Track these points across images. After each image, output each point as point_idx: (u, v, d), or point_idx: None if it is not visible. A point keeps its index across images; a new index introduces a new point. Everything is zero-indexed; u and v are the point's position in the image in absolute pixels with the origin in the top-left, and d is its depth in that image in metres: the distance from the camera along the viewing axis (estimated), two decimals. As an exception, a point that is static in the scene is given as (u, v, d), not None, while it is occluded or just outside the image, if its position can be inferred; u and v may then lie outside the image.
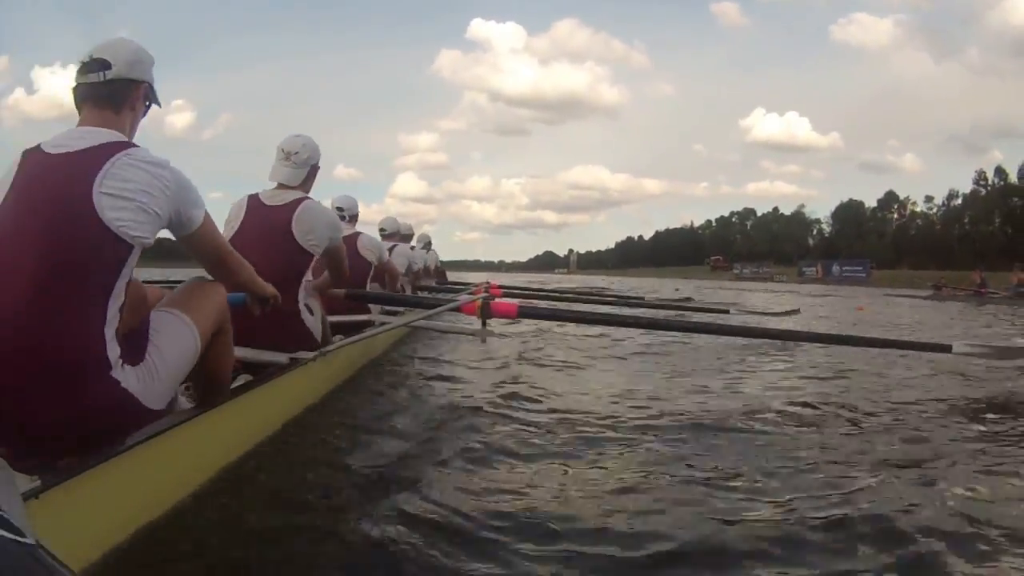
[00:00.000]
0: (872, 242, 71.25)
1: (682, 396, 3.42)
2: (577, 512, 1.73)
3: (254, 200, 2.71)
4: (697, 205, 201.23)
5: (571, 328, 6.09)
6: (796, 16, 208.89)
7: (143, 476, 1.49)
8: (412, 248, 7.05)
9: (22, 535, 0.59)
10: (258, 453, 2.07)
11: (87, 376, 1.38)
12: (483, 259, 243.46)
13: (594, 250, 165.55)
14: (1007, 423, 2.86)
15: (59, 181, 1.41)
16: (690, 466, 2.16)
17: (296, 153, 2.73)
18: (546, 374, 4.05)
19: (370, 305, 4.16)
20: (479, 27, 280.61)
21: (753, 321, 6.28)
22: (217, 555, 1.45)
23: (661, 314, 5.24)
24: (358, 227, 4.46)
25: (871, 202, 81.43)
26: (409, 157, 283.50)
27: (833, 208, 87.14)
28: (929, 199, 73.65)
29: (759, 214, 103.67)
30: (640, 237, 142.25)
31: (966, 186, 68.49)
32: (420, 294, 6.20)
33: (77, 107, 1.57)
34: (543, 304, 4.74)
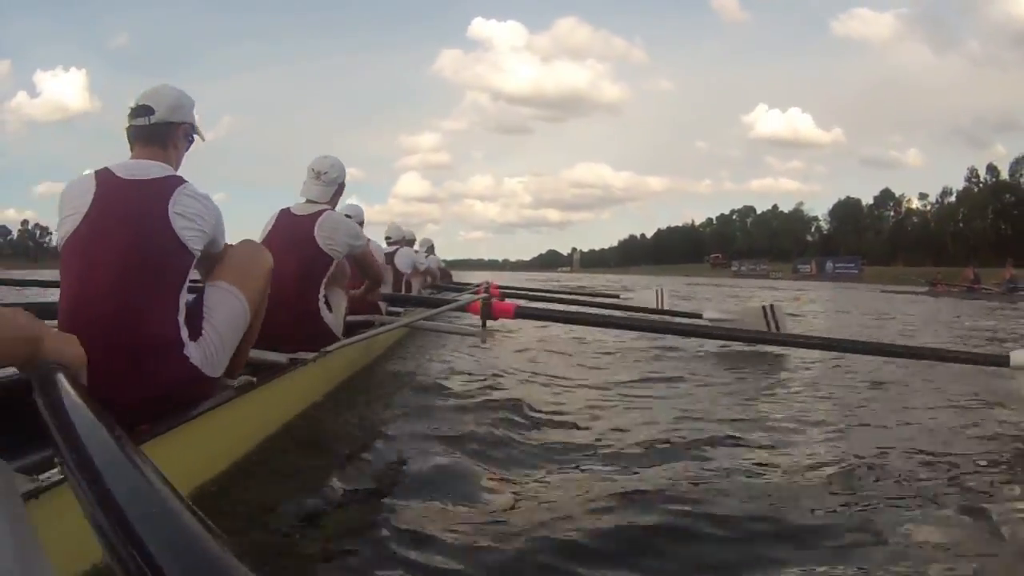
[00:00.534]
0: (869, 239, 71.64)
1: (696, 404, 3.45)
2: (576, 516, 1.70)
3: (285, 212, 3.08)
4: (700, 202, 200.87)
5: (569, 327, 6.06)
6: (796, 10, 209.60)
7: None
8: (416, 252, 7.33)
9: None
10: (255, 456, 2.07)
11: (168, 356, 1.69)
12: (487, 258, 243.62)
13: (597, 248, 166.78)
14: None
15: (140, 201, 1.74)
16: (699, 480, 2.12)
17: (325, 173, 3.09)
18: (546, 376, 4.04)
19: (379, 307, 4.29)
20: (480, 26, 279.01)
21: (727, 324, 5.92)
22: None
23: (651, 316, 5.33)
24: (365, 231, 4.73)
25: (872, 198, 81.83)
26: (411, 157, 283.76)
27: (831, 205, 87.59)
28: (924, 196, 74.07)
29: (759, 212, 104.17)
30: (642, 235, 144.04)
31: (963, 182, 68.86)
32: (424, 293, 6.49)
33: (130, 143, 1.89)
34: (540, 305, 4.89)
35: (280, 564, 1.42)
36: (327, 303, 2.96)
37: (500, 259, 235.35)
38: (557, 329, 6.20)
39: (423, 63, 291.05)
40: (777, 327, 5.02)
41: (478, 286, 6.43)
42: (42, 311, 1.31)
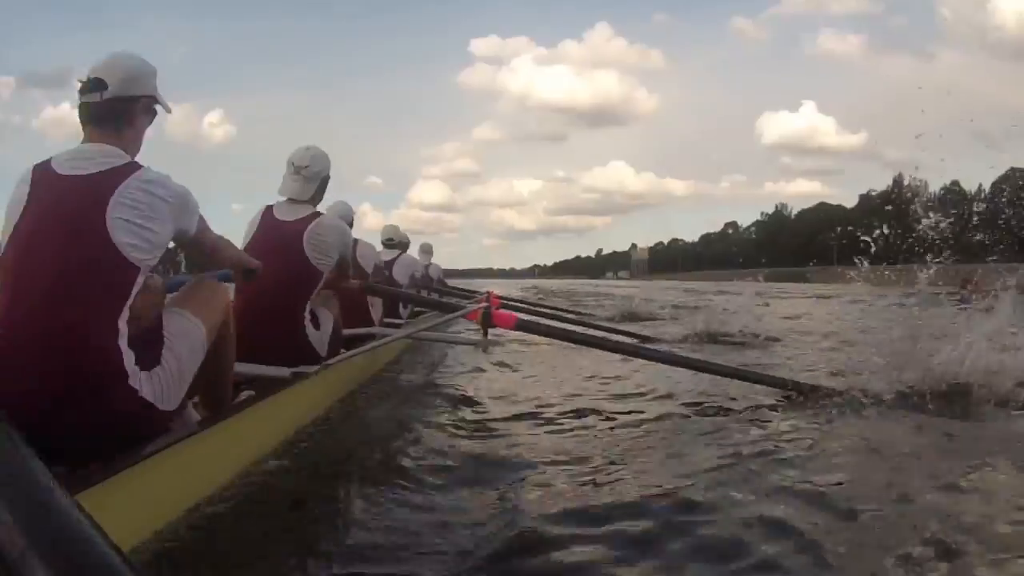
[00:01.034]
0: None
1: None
2: (578, 523, 1.68)
3: (267, 214, 2.75)
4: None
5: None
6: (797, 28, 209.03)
7: (140, 495, 1.48)
8: (416, 259, 7.16)
9: None
10: (258, 469, 2.04)
11: (107, 387, 1.46)
12: (506, 267, 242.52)
13: (619, 250, 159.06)
14: None
15: (73, 204, 1.48)
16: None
17: (306, 167, 2.72)
18: (550, 387, 3.86)
19: (372, 318, 4.21)
20: (503, 37, 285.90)
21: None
22: (216, 570, 1.47)
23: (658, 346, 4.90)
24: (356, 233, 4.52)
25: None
26: (434, 167, 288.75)
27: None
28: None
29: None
30: (727, 227, 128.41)
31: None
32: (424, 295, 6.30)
33: (82, 124, 1.62)
34: (541, 321, 4.68)
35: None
36: (313, 319, 2.71)
37: (518, 267, 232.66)
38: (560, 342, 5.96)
39: (448, 74, 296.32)
40: None
41: (480, 295, 6.24)
42: None
